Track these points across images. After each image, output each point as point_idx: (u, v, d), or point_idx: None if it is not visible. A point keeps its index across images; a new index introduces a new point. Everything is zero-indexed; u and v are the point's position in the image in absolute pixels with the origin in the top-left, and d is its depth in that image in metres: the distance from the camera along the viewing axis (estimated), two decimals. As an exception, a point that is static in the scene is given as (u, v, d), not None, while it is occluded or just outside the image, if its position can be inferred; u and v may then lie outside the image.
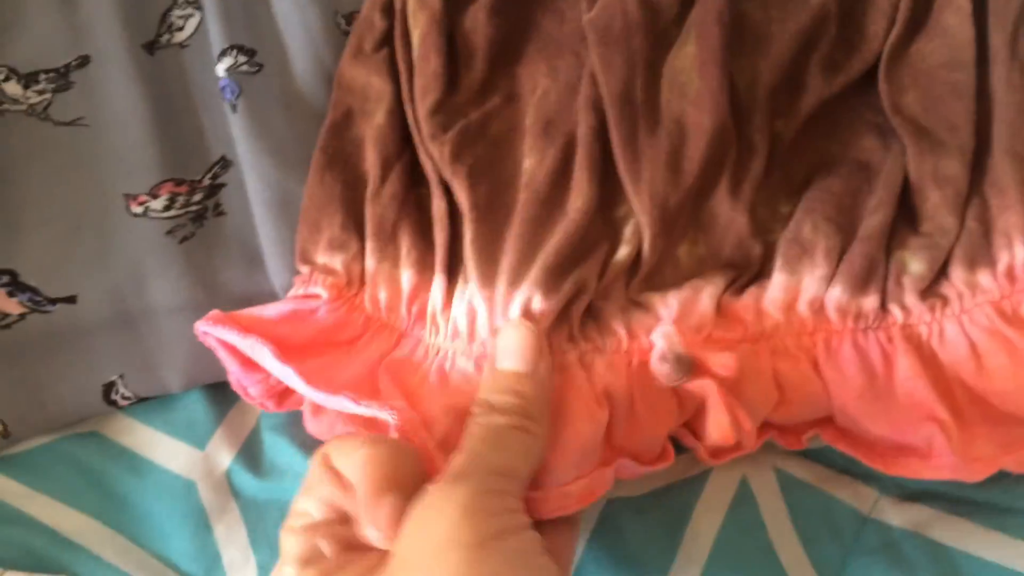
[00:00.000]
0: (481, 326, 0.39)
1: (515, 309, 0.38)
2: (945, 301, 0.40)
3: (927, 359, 0.39)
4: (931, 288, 0.40)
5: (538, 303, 0.38)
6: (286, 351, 0.38)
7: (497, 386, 0.36)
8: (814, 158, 0.43)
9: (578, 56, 0.44)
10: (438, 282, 0.40)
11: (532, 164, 0.42)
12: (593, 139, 0.41)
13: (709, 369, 0.38)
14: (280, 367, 0.37)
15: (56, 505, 0.42)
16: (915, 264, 0.40)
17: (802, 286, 0.40)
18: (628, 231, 0.41)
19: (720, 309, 0.40)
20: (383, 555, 0.31)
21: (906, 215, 0.41)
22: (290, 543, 0.32)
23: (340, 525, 0.32)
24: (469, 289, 0.40)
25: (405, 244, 0.41)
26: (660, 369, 0.38)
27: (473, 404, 0.36)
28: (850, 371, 0.39)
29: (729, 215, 0.41)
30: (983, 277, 0.39)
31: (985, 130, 0.42)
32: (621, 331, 0.40)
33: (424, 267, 0.41)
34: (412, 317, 0.41)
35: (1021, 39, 0.42)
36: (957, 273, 0.40)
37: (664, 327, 0.39)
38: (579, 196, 0.40)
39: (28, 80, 0.45)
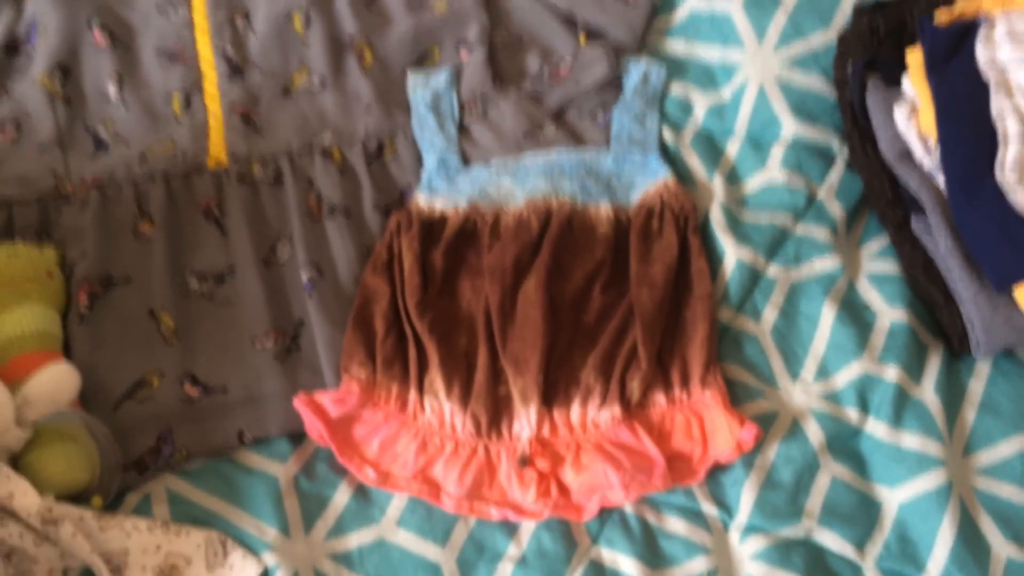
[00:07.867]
0: (457, 425, 0.84)
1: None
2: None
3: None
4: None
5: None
6: (336, 429, 0.83)
7: None
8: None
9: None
10: (414, 394, 0.84)
11: (469, 345, 0.86)
12: (485, 331, 0.85)
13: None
14: (338, 457, 0.83)
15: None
16: None
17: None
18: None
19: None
20: None
21: None
22: None
23: None
24: (440, 399, 0.84)
25: (397, 371, 0.85)
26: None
27: None
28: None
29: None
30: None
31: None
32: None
33: (403, 382, 0.84)
34: (398, 407, 0.84)
35: None
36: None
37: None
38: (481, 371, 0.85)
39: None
